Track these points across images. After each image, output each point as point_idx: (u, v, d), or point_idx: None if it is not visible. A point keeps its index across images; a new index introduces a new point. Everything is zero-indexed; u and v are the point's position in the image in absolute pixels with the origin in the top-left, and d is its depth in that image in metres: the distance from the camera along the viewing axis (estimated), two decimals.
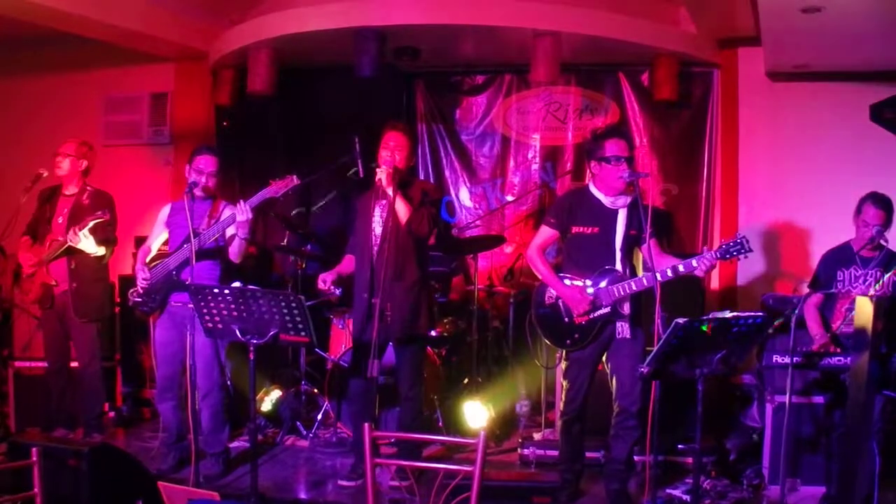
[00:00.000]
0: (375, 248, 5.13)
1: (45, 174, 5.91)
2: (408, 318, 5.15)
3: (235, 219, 5.01)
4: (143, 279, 5.24)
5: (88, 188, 5.88)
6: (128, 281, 5.69)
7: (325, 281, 5.39)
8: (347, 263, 5.43)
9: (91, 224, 5.56)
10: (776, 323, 4.69)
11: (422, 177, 7.79)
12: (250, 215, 4.99)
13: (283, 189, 5.01)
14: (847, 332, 5.08)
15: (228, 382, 5.53)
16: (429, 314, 5.35)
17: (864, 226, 5.07)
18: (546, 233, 4.91)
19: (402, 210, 5.07)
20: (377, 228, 5.17)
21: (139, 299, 5.33)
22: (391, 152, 5.12)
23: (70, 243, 5.60)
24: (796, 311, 4.64)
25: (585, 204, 4.80)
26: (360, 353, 5.19)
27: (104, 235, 5.72)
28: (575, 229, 4.78)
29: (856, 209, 5.14)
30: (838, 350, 4.99)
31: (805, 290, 5.24)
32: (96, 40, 7.20)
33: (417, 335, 5.27)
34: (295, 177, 5.02)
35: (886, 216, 5.04)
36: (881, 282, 4.93)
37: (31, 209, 6.02)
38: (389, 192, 5.03)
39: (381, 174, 5.04)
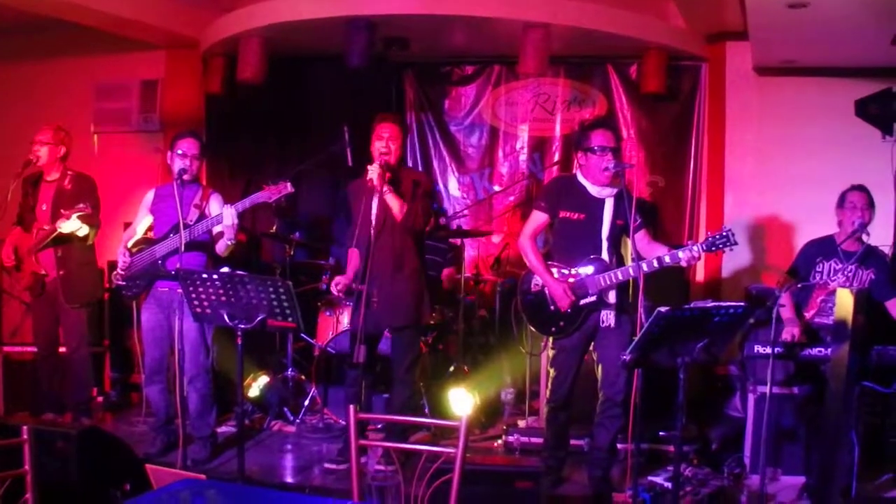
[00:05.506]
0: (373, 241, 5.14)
1: (36, 160, 5.89)
2: (411, 306, 5.22)
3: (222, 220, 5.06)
4: (123, 262, 5.26)
5: (69, 173, 5.84)
6: (116, 267, 5.69)
7: (337, 285, 5.31)
8: (355, 260, 5.40)
9: (74, 217, 5.55)
10: (752, 321, 4.73)
11: (410, 166, 7.83)
12: (236, 220, 5.01)
13: (276, 196, 5.01)
14: (820, 322, 5.16)
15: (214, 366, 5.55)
16: (429, 303, 5.40)
17: (852, 208, 5.13)
18: (538, 218, 4.91)
19: (396, 206, 5.08)
20: (375, 221, 5.14)
21: (122, 283, 5.36)
22: (385, 143, 5.12)
23: (59, 230, 5.59)
24: (777, 303, 4.69)
25: (573, 190, 4.82)
26: (355, 341, 5.21)
27: (89, 223, 5.72)
28: (562, 213, 4.80)
29: (838, 201, 5.22)
30: (806, 339, 5.05)
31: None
32: (87, 27, 7.19)
33: (419, 324, 5.34)
34: (289, 184, 5.00)
35: (868, 200, 5.13)
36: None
37: (18, 197, 5.98)
38: (382, 190, 5.04)
39: (372, 174, 5.01)
